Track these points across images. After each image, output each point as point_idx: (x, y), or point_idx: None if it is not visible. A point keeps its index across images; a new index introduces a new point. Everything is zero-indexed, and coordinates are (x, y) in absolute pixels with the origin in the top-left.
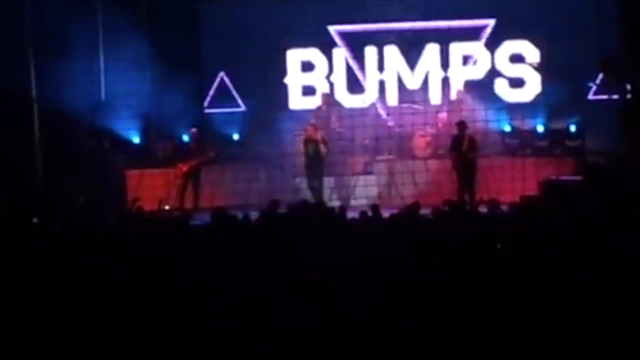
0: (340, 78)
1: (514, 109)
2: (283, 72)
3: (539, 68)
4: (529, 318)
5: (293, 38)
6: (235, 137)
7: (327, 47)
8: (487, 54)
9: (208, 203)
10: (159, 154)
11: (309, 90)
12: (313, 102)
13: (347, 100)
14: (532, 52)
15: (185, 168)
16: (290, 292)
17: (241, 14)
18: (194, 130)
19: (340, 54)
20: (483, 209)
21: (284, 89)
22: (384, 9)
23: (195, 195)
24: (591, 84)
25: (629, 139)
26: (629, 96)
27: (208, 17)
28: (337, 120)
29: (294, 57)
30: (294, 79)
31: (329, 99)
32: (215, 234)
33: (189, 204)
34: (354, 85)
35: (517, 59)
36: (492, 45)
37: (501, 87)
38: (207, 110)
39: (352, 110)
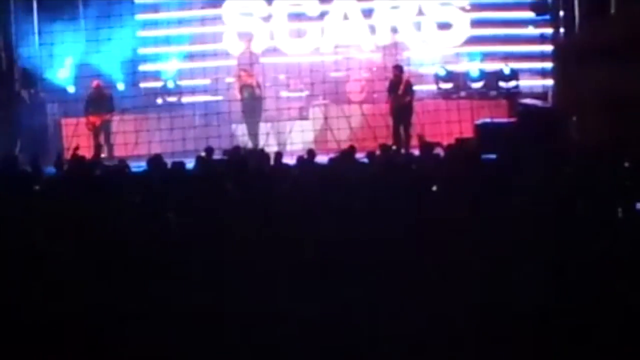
0: (280, 24)
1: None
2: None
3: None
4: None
5: None
6: (170, 84)
7: None
8: None
9: (145, 150)
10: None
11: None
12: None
13: (289, 46)
14: None
15: (97, 122)
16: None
17: None
18: (96, 81)
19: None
20: (418, 152)
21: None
22: None
23: (108, 146)
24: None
25: (559, 79)
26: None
27: None
28: (264, 66)
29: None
30: (231, 24)
31: (250, 44)
32: (151, 181)
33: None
34: (295, 31)
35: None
36: None
37: (428, 31)
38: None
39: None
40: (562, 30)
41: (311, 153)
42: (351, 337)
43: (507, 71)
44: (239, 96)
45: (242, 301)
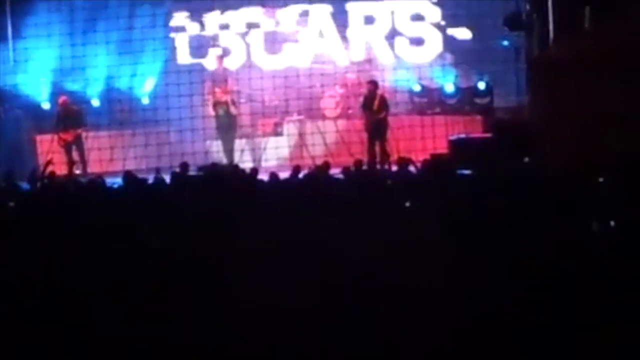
0: (257, 38)
1: (422, 67)
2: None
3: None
4: (439, 274)
5: None
6: (145, 101)
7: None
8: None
9: (121, 167)
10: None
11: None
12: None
13: (264, 62)
14: (432, 11)
15: (68, 138)
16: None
17: None
18: (62, 98)
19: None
20: (393, 168)
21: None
22: None
23: (82, 162)
24: (504, 42)
25: (533, 94)
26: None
27: None
28: (234, 82)
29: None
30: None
31: (222, 60)
32: (126, 197)
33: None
34: (272, 46)
35: (417, 18)
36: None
37: (401, 47)
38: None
39: (259, 71)
40: (536, 44)
41: (296, 169)
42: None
43: (481, 87)
44: (212, 113)
45: (215, 320)
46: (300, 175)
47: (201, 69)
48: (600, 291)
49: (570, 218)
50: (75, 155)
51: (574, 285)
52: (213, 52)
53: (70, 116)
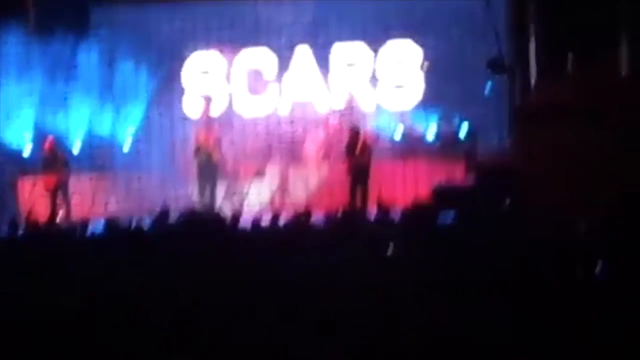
0: (238, 84)
1: (405, 112)
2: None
3: (425, 70)
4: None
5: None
6: (126, 147)
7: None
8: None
9: (101, 212)
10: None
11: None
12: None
13: (246, 107)
14: (415, 54)
15: (54, 182)
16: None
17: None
18: (49, 139)
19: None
20: (375, 214)
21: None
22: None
23: (66, 207)
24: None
25: (516, 139)
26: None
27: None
28: (220, 127)
29: (194, 62)
30: (192, 84)
31: (210, 105)
32: (107, 243)
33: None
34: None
35: (400, 61)
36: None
37: (385, 91)
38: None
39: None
40: (518, 89)
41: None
42: None
43: (464, 132)
44: (194, 158)
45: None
46: (282, 221)
47: (183, 116)
48: (586, 338)
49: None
50: (58, 199)
51: (559, 332)
52: (201, 98)
53: (55, 160)
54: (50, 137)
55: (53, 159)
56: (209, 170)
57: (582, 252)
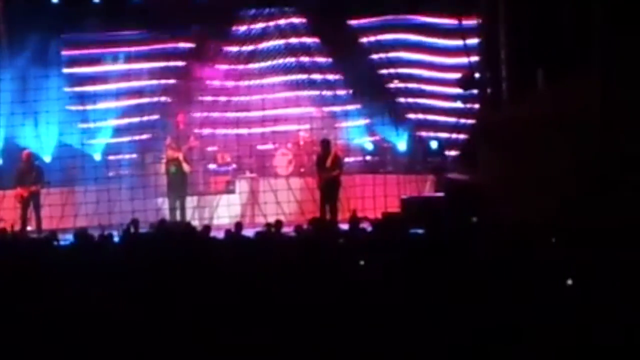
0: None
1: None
2: None
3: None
4: (393, 331)
5: None
6: (97, 157)
7: None
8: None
9: (71, 224)
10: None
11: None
12: None
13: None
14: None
15: (25, 194)
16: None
17: None
18: (26, 151)
19: None
20: (345, 227)
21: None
22: None
23: (37, 219)
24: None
25: (486, 154)
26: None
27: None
28: (196, 139)
29: None
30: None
31: (187, 117)
32: (77, 254)
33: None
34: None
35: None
36: None
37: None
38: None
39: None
40: (488, 105)
41: (238, 226)
42: None
43: (434, 146)
44: (164, 170)
45: None
46: (253, 234)
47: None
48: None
49: (525, 279)
50: (29, 211)
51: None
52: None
53: (30, 172)
54: (27, 150)
55: (28, 171)
56: (179, 182)
57: (551, 267)
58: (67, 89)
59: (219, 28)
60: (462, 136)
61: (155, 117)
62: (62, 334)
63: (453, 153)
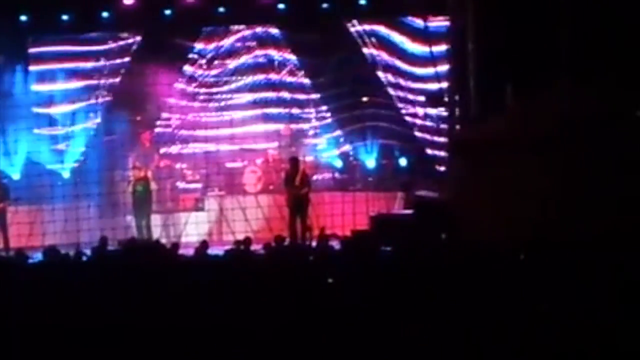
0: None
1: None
2: None
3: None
4: (362, 349)
5: None
6: (66, 175)
7: None
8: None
9: (39, 242)
10: None
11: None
12: None
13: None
14: None
15: None
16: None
17: None
18: None
19: None
20: (314, 244)
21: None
22: None
23: (4, 237)
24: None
25: (454, 172)
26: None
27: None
28: (161, 158)
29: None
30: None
31: (152, 136)
32: (47, 272)
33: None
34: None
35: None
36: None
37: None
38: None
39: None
40: (457, 122)
41: (204, 245)
42: None
43: (403, 163)
44: (130, 190)
45: None
46: (222, 251)
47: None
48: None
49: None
50: None
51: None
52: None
53: None
54: None
55: None
56: (143, 200)
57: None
58: (35, 109)
59: (186, 45)
60: (432, 152)
61: (121, 133)
62: (33, 351)
63: (422, 170)
